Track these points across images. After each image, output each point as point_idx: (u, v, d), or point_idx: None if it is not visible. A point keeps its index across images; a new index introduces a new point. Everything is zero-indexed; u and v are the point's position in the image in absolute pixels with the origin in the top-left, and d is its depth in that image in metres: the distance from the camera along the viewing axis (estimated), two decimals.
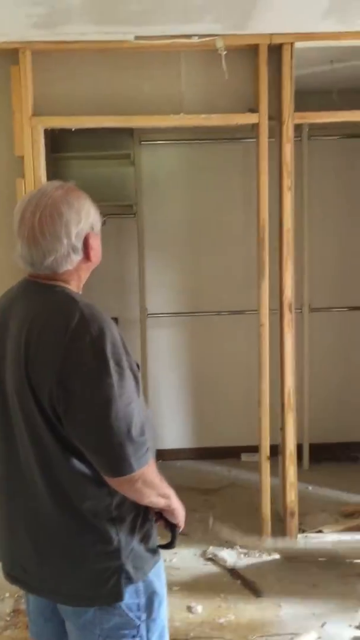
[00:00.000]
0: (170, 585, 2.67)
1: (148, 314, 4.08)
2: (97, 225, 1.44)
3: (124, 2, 2.38)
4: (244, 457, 4.09)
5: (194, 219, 4.12)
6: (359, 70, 3.38)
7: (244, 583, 2.78)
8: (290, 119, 2.91)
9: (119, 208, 3.81)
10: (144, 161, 3.96)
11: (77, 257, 1.40)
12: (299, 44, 2.84)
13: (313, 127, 3.81)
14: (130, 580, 1.37)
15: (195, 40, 2.76)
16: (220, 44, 2.77)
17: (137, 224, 3.99)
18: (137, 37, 2.73)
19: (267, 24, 2.68)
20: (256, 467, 3.13)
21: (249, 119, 2.93)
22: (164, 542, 1.50)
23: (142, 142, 3.91)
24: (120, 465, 1.29)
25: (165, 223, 4.10)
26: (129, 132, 3.79)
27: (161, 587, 1.46)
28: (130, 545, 1.38)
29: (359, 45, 2.86)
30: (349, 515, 3.32)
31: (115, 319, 3.83)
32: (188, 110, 2.93)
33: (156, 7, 2.44)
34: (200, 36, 2.76)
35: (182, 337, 4.21)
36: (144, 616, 1.41)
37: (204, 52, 2.85)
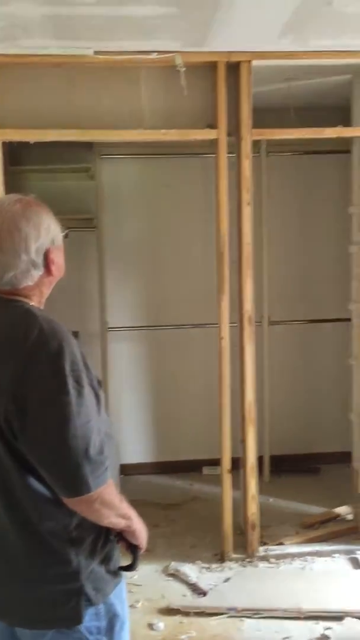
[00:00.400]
0: (132, 603, 2.66)
1: (109, 328, 4.06)
2: (59, 239, 1.42)
3: (82, 17, 2.39)
4: (206, 470, 4.09)
5: (155, 233, 4.13)
6: (313, 89, 3.47)
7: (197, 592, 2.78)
8: (248, 135, 2.95)
9: (79, 221, 3.79)
10: (104, 175, 3.95)
11: (37, 273, 1.38)
12: (256, 62, 2.89)
13: (271, 143, 3.87)
14: (90, 602, 1.35)
15: (154, 56, 2.78)
16: (178, 60, 2.80)
17: (97, 238, 3.97)
18: (96, 52, 2.74)
19: (225, 42, 2.72)
20: (218, 481, 3.13)
21: (208, 134, 2.96)
22: (125, 563, 1.47)
23: (103, 156, 3.91)
24: (77, 485, 1.27)
25: (126, 237, 4.10)
26: (89, 145, 3.78)
27: (122, 609, 1.43)
28: (90, 567, 1.35)
29: (314, 64, 2.93)
30: (310, 526, 3.35)
31: (76, 333, 3.80)
32: (148, 125, 2.95)
33: (114, 23, 2.45)
34: (159, 52, 2.78)
35: (143, 350, 4.20)
36: (104, 639, 1.38)
37: (163, 68, 2.88)
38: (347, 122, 3.33)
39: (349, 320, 3.54)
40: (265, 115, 3.10)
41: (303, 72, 3.08)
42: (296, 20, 2.46)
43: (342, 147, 3.59)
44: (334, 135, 3.10)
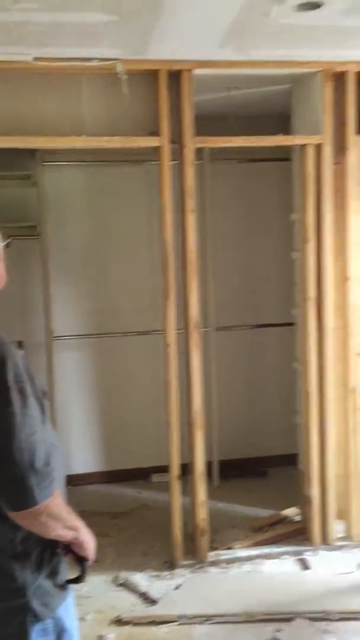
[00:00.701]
0: (82, 615, 2.61)
1: (54, 337, 4.00)
2: None
3: (22, 23, 2.35)
4: (155, 477, 4.08)
5: (99, 240, 4.11)
6: (255, 97, 3.53)
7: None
8: (191, 143, 2.98)
9: (21, 229, 3.73)
10: (47, 182, 3.90)
11: None
12: (197, 71, 2.92)
13: (215, 150, 3.91)
14: (37, 618, 1.32)
15: (95, 63, 2.77)
16: (120, 68, 2.80)
17: (40, 246, 3.91)
18: (35, 59, 2.71)
19: (166, 50, 2.73)
20: (167, 488, 3.12)
21: (151, 142, 2.96)
22: (73, 575, 1.45)
23: (45, 163, 3.86)
24: (22, 497, 1.24)
25: (70, 244, 4.06)
26: (31, 152, 3.73)
27: (71, 622, 1.41)
28: (37, 582, 1.32)
29: (255, 74, 2.99)
30: (258, 529, 3.39)
31: (20, 343, 3.74)
32: (90, 132, 2.93)
33: (54, 30, 2.43)
34: (100, 60, 2.77)
35: (89, 359, 4.16)
36: None
37: (105, 76, 2.87)
38: (288, 130, 3.40)
39: (292, 324, 3.60)
40: (209, 123, 3.13)
41: (244, 81, 3.13)
42: (236, 30, 2.50)
43: (284, 155, 3.66)
44: (275, 144, 3.16)
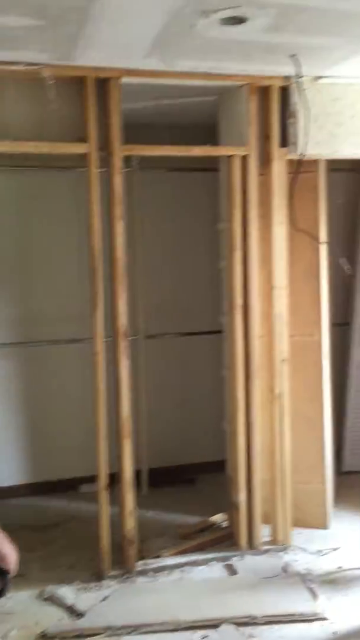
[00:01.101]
0: (4, 632, 2.54)
1: None
2: None
3: None
4: (84, 488, 4.02)
5: (26, 247, 4.03)
6: (184, 107, 3.57)
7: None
8: (119, 150, 2.97)
9: None
10: None
11: None
12: (126, 79, 2.92)
13: (144, 159, 3.92)
14: None
15: (21, 67, 2.73)
16: (46, 73, 2.77)
17: None
18: None
19: (92, 57, 2.72)
20: (96, 498, 3.08)
21: (78, 148, 2.94)
22: None
23: None
24: None
25: None
26: None
27: None
28: None
29: (181, 84, 3.02)
30: (187, 536, 3.39)
31: None
32: (16, 137, 2.88)
33: None
34: (27, 64, 2.73)
35: (15, 368, 4.06)
36: None
37: (33, 80, 2.82)
38: (215, 141, 3.45)
39: (221, 332, 3.65)
40: (138, 131, 3.14)
41: (172, 91, 3.15)
42: (162, 41, 2.52)
43: (212, 165, 3.71)
44: (202, 154, 3.20)
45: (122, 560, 3.08)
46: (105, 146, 2.98)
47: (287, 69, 2.90)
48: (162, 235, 4.24)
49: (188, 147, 3.15)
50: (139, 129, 3.18)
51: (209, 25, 2.36)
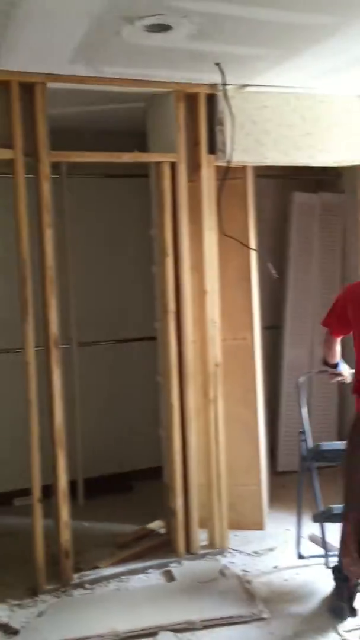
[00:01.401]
0: None
1: None
2: None
3: None
4: (18, 501, 3.92)
5: None
6: (112, 114, 3.56)
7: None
8: (46, 157, 2.93)
9: None
10: None
11: None
12: (52, 85, 2.88)
13: (73, 165, 3.88)
14: None
15: None
16: None
17: None
18: None
19: (16, 62, 2.67)
20: (30, 511, 3.01)
21: (4, 154, 2.87)
22: None
23: None
24: None
25: None
26: None
27: None
28: None
29: (109, 91, 3.01)
30: (124, 545, 3.36)
31: None
32: None
33: None
34: None
35: None
36: None
37: None
38: (145, 148, 3.45)
39: (155, 338, 3.65)
40: (69, 137, 3.10)
41: (100, 97, 3.13)
42: (87, 47, 2.50)
43: (142, 172, 3.71)
44: (132, 160, 3.19)
45: (58, 574, 3.02)
46: (32, 152, 2.92)
47: (214, 77, 2.94)
48: (94, 242, 4.20)
49: (117, 154, 3.14)
50: (69, 135, 3.14)
51: (134, 32, 2.36)
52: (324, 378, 3.39)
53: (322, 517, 3.05)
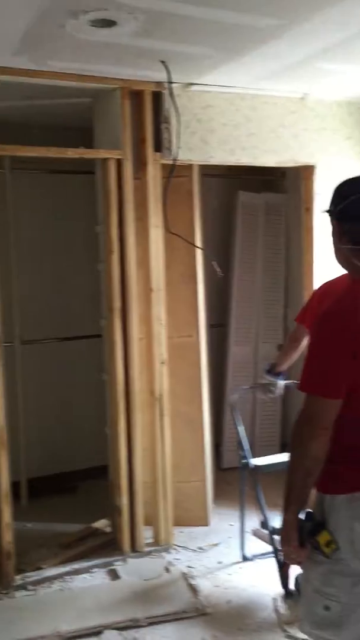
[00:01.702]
0: None
1: None
2: None
3: None
4: None
5: None
6: (58, 109, 3.51)
7: None
8: None
9: None
10: None
11: None
12: None
13: (18, 160, 3.80)
14: None
15: None
16: None
17: None
18: None
19: None
20: None
21: None
22: None
23: None
24: None
25: None
26: None
27: None
28: None
29: (54, 85, 2.96)
30: (68, 545, 3.32)
31: None
32: None
33: None
34: None
35: None
36: None
37: None
38: (92, 144, 3.42)
39: (100, 336, 3.62)
40: (12, 131, 3.03)
41: (45, 91, 3.09)
42: (31, 39, 2.46)
43: (88, 168, 3.67)
44: (77, 156, 3.16)
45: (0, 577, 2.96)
46: None
47: (159, 75, 2.94)
48: (39, 239, 4.13)
49: (62, 149, 3.10)
50: (14, 129, 3.08)
51: (79, 27, 2.34)
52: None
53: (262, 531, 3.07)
